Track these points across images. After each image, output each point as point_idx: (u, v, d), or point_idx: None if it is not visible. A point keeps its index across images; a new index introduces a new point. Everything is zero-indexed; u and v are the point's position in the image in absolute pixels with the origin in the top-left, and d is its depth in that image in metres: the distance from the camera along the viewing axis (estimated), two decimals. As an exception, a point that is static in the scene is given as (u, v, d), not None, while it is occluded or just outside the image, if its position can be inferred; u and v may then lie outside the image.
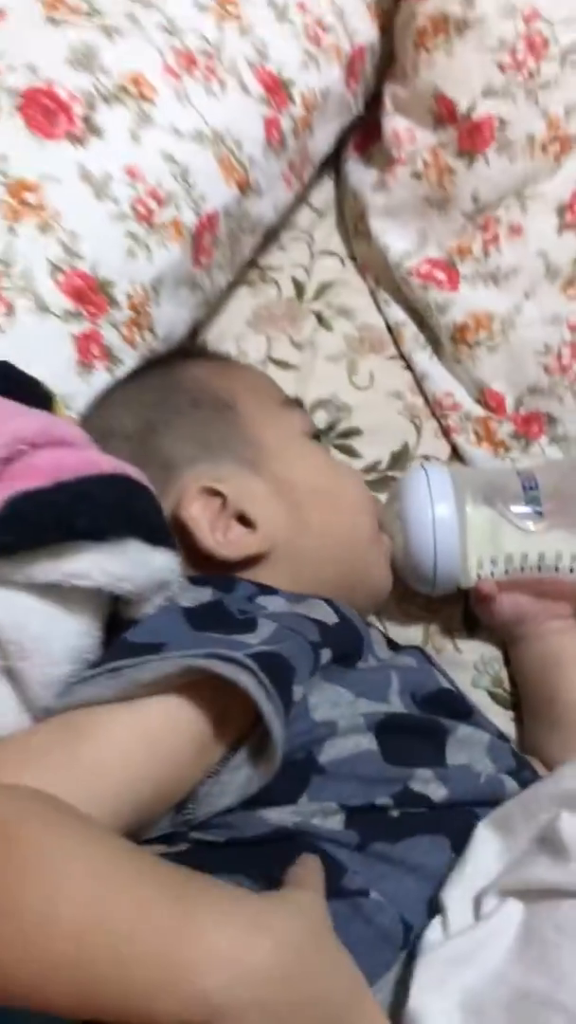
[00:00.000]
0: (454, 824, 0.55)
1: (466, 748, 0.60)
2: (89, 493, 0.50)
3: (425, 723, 0.60)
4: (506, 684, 0.77)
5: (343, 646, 0.60)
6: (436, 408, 0.88)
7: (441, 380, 0.88)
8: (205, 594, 0.60)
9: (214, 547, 0.64)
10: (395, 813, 0.55)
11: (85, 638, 0.54)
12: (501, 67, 0.82)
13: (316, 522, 0.68)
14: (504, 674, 0.78)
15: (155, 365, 0.74)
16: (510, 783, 0.59)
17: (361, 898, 0.51)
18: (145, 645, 0.53)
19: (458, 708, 0.65)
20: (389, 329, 0.93)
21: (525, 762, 0.64)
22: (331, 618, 0.62)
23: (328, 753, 0.55)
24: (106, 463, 0.54)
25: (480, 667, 0.78)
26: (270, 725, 0.49)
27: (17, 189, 0.67)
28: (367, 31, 0.93)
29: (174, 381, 0.72)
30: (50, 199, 0.68)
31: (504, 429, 0.85)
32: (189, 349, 0.82)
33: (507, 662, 0.78)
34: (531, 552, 0.71)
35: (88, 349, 0.69)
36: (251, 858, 0.52)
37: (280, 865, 0.49)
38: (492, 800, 0.57)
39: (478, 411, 0.86)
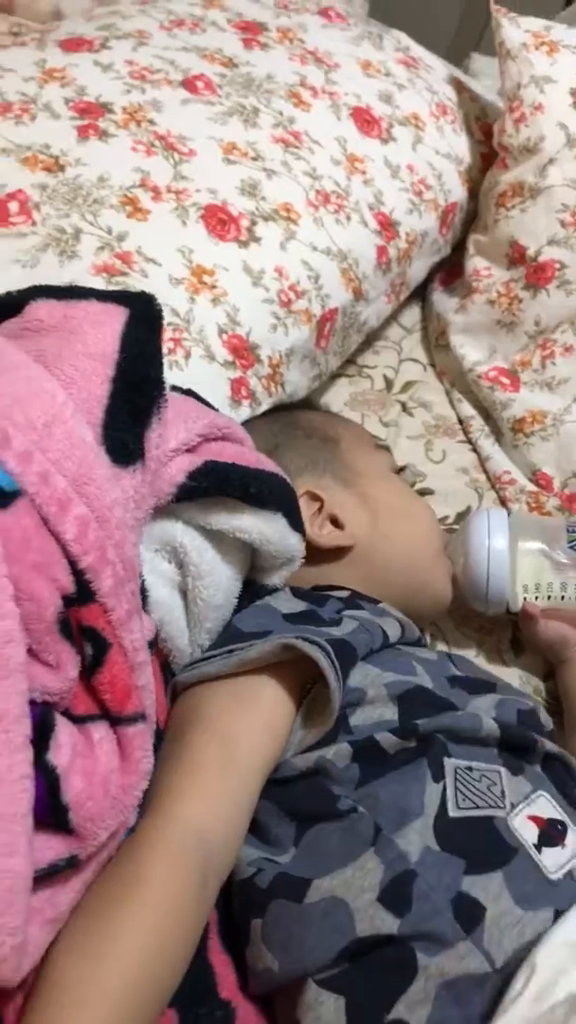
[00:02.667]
0: (428, 751, 0.63)
1: (473, 710, 0.68)
2: (260, 474, 0.68)
3: (441, 700, 0.68)
4: (544, 694, 0.89)
5: (376, 642, 0.71)
6: (496, 482, 1.06)
7: (501, 462, 1.07)
8: (300, 605, 0.72)
9: (312, 535, 0.77)
10: (390, 751, 0.63)
11: (235, 582, 0.70)
12: (563, 223, 1.06)
13: (391, 533, 0.82)
14: (543, 686, 0.90)
15: (281, 408, 0.93)
16: (488, 722, 0.65)
17: (351, 814, 0.60)
18: (253, 633, 0.67)
19: (479, 685, 0.72)
20: (460, 421, 1.13)
21: (532, 713, 0.72)
22: (395, 634, 0.73)
23: (357, 718, 0.65)
24: (268, 463, 0.71)
25: (523, 679, 0.89)
26: (333, 700, 0.61)
27: (199, 272, 0.87)
28: (458, 192, 1.18)
29: (294, 419, 0.91)
30: (221, 282, 0.88)
31: (551, 503, 1.03)
32: (307, 402, 1.01)
33: (546, 678, 0.90)
34: (569, 585, 0.84)
35: (239, 390, 0.87)
36: (283, 794, 0.63)
37: (301, 799, 0.62)
38: (466, 730, 0.64)
39: (530, 487, 1.04)
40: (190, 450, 0.65)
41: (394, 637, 0.73)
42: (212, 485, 0.64)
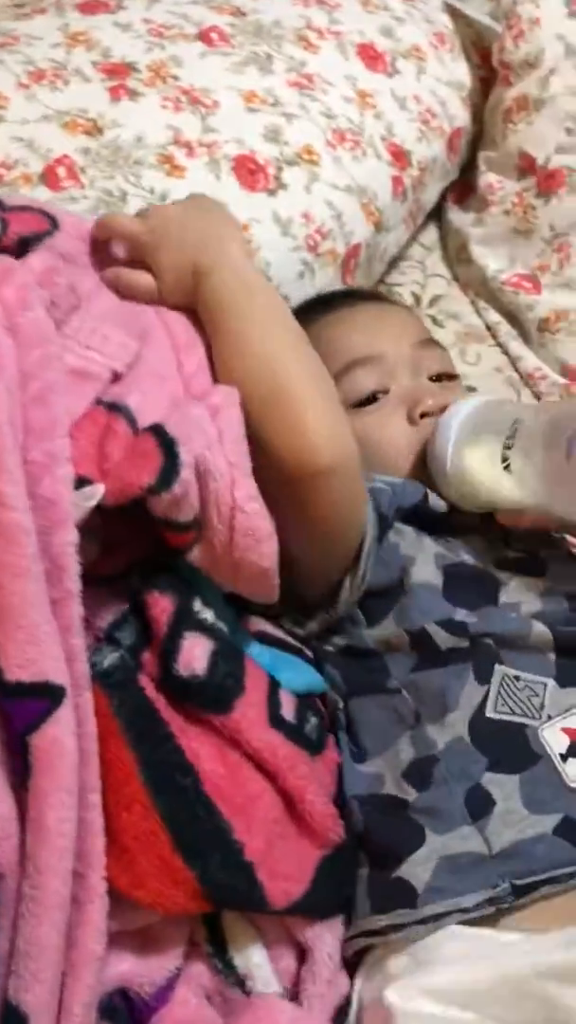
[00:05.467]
0: (478, 655, 0.68)
1: (518, 592, 0.74)
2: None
3: (483, 572, 0.74)
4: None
5: (405, 498, 0.77)
6: (528, 380, 1.14)
7: (531, 360, 1.15)
8: None
9: None
10: (443, 649, 0.69)
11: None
12: (568, 131, 1.13)
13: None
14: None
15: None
16: (538, 627, 0.69)
17: (396, 694, 0.69)
18: None
19: (525, 566, 0.77)
20: (487, 327, 1.21)
21: None
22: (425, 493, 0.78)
23: (411, 579, 0.72)
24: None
25: None
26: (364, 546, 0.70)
27: None
28: (462, 117, 1.24)
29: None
30: (255, 236, 0.95)
31: (582, 393, 1.12)
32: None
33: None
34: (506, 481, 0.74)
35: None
36: (348, 666, 0.72)
37: (358, 672, 0.71)
38: (516, 637, 0.69)
39: (561, 380, 1.13)
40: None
41: (433, 502, 0.78)
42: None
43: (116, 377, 0.58)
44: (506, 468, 0.73)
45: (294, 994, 0.62)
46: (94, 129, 0.95)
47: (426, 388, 0.84)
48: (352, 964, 0.64)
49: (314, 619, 0.76)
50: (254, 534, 0.57)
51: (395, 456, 0.82)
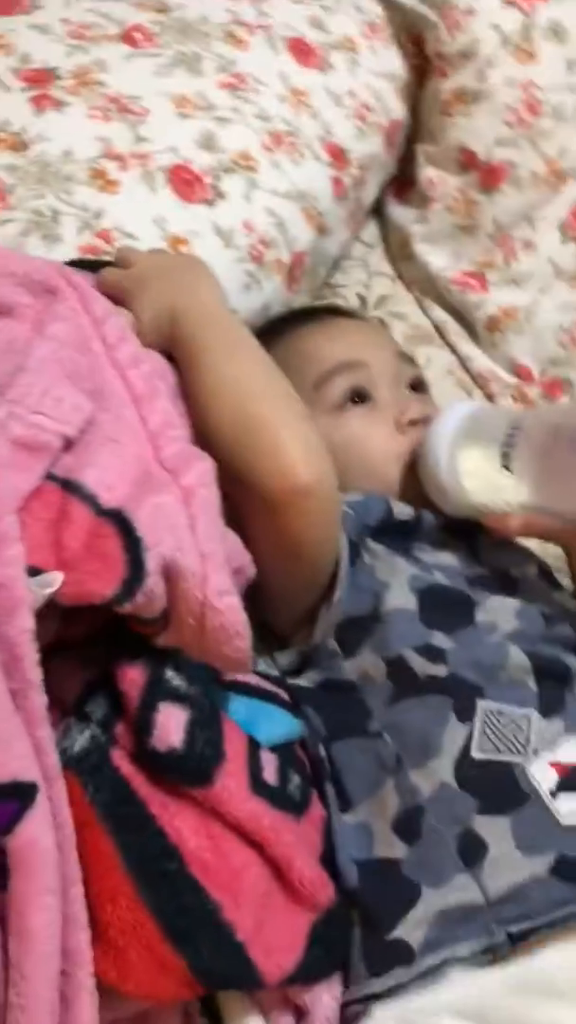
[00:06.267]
0: (458, 691, 0.67)
1: (493, 612, 0.72)
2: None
3: (457, 594, 0.73)
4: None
5: (369, 516, 0.76)
6: (479, 380, 1.13)
7: (481, 360, 1.14)
8: None
9: None
10: (421, 676, 0.68)
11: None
12: (508, 124, 1.10)
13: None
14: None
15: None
16: (515, 652, 0.69)
17: (377, 738, 0.67)
18: None
19: (498, 585, 0.76)
20: (435, 327, 1.19)
21: (558, 619, 0.75)
22: (397, 509, 0.78)
23: (384, 606, 0.71)
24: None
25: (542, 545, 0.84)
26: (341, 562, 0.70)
27: (174, 243, 0.91)
28: (398, 109, 1.20)
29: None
30: (195, 250, 0.92)
31: (533, 392, 1.11)
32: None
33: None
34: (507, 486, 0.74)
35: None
36: (327, 705, 0.70)
37: (337, 712, 0.69)
38: (494, 666, 0.68)
39: (512, 380, 1.12)
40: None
41: (398, 511, 0.78)
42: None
43: (68, 444, 0.54)
44: (505, 468, 0.74)
45: (293, 1056, 0.61)
46: (19, 144, 0.91)
47: (410, 397, 0.86)
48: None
49: (289, 654, 0.75)
50: (227, 630, 0.54)
51: (383, 464, 0.82)
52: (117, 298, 0.73)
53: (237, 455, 0.65)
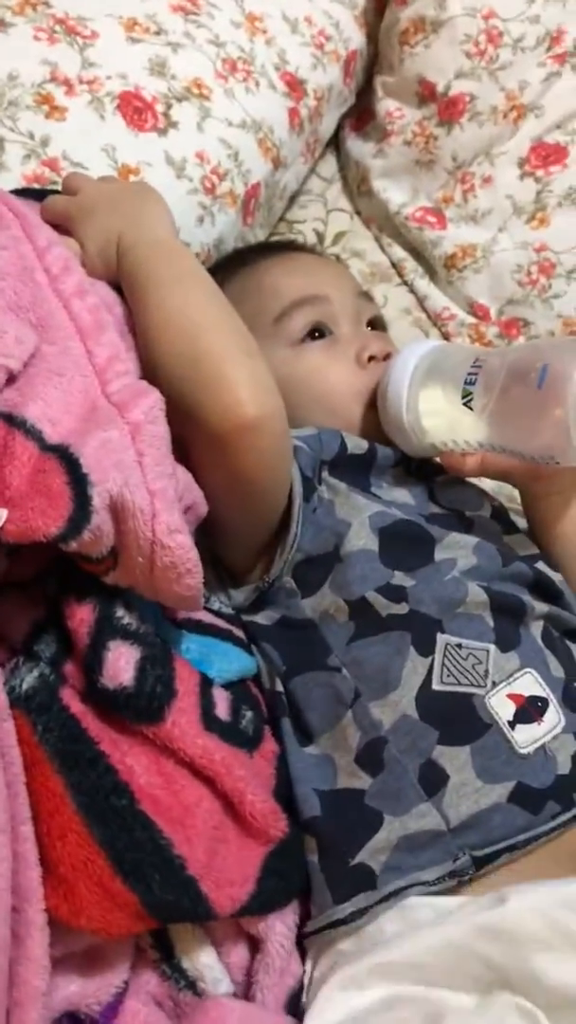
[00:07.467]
0: (419, 626, 0.68)
1: (451, 549, 0.73)
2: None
3: (417, 531, 0.73)
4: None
5: (324, 450, 0.75)
6: (437, 319, 1.12)
7: (438, 299, 1.13)
8: None
9: None
10: (383, 616, 0.68)
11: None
12: (468, 55, 1.08)
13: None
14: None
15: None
16: (474, 588, 0.69)
17: (335, 673, 0.67)
18: None
19: (455, 522, 0.76)
20: (393, 264, 1.17)
21: (514, 558, 0.75)
22: (351, 444, 0.77)
23: (346, 547, 0.70)
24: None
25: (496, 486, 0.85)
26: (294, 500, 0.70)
27: (125, 173, 0.88)
28: (357, 38, 1.18)
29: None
30: (146, 180, 0.88)
31: (491, 332, 1.10)
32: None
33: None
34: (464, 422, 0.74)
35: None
36: (285, 641, 0.71)
37: (296, 648, 0.69)
38: (453, 601, 0.69)
39: (470, 319, 1.11)
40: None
41: (352, 446, 0.77)
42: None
43: (11, 378, 0.52)
44: (466, 405, 0.73)
45: (247, 984, 0.62)
46: (-39, 67, 0.87)
47: (370, 335, 0.86)
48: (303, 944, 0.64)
49: (245, 591, 0.74)
50: (177, 568, 0.53)
51: (343, 400, 0.82)
52: (63, 227, 0.71)
53: (184, 390, 0.63)
